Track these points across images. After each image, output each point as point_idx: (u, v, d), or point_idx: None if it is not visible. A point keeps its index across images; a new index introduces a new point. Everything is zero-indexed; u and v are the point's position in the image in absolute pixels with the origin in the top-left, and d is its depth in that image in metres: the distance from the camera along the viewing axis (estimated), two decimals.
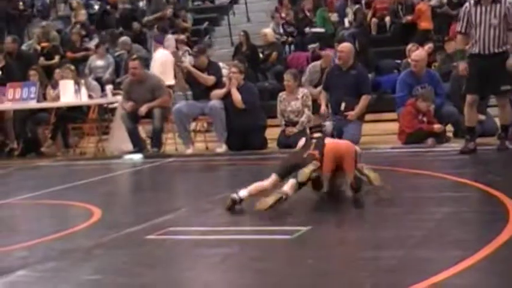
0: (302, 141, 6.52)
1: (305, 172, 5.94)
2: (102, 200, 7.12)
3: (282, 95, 10.58)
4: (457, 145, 8.90)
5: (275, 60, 14.57)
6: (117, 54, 15.61)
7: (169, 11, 17.68)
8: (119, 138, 11.29)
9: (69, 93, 11.47)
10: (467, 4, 8.44)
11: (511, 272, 3.95)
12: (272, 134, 10.72)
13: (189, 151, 10.67)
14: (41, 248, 5.23)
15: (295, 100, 10.41)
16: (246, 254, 4.72)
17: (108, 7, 19.16)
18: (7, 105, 11.77)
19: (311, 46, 14.55)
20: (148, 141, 11.41)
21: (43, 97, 11.98)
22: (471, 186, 6.45)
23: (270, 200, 5.78)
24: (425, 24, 14.29)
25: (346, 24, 15.53)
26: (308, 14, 16.11)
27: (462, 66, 8.48)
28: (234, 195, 5.96)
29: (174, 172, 9.64)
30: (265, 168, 8.58)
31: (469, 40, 8.45)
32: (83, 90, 11.55)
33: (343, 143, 6.44)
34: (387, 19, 15.25)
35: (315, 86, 11.59)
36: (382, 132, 10.89)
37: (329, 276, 4.10)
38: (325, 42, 14.30)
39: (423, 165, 8.03)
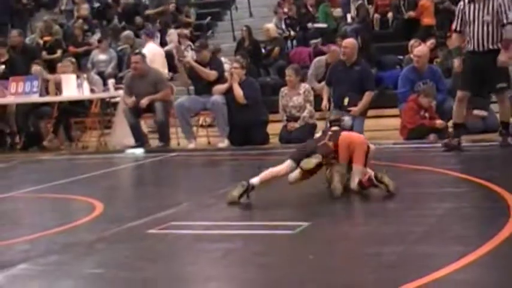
0: (319, 134, 6.56)
1: (311, 162, 5.96)
2: (104, 194, 7.13)
3: (284, 90, 10.58)
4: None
5: (277, 55, 14.56)
6: (119, 48, 15.61)
7: (171, 6, 17.69)
8: (121, 132, 11.32)
9: (71, 87, 11.49)
10: (461, 2, 8.49)
11: None
12: (274, 129, 10.72)
13: (192, 146, 10.68)
14: (43, 241, 5.24)
15: (297, 95, 10.42)
16: (248, 249, 4.73)
17: (110, 0, 19.15)
18: (9, 99, 11.77)
19: (313, 41, 14.54)
20: (150, 135, 11.42)
21: (45, 91, 11.99)
22: (472, 182, 6.45)
23: (235, 192, 5.94)
24: (428, 20, 14.27)
25: (349, 19, 15.52)
26: (310, 9, 16.10)
27: (457, 62, 8.51)
28: (244, 182, 6.00)
29: (176, 167, 9.64)
30: (267, 163, 8.60)
31: (464, 38, 8.47)
32: (85, 84, 11.57)
33: (356, 135, 6.49)
34: (390, 15, 15.24)
35: (320, 81, 11.58)
36: (384, 128, 10.89)
37: (330, 271, 4.11)
38: (328, 38, 14.30)
39: (425, 161, 8.04)
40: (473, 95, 8.66)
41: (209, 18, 18.05)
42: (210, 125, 11.86)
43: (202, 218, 5.72)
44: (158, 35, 16.23)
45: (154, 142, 11.24)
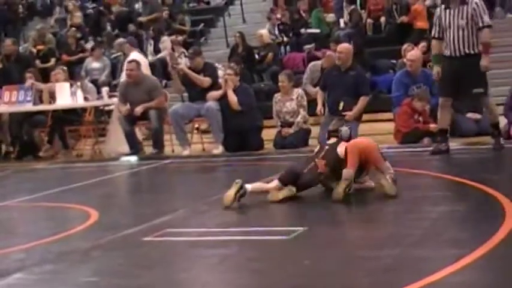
0: (317, 148, 6.66)
1: (277, 195, 6.19)
2: (99, 202, 7.12)
3: (277, 96, 10.59)
4: (454, 144, 8.90)
5: (271, 61, 14.58)
6: (113, 56, 15.60)
7: (165, 13, 17.70)
8: (116, 140, 11.30)
9: (65, 95, 11.47)
10: (438, 9, 8.58)
11: (507, 270, 3.96)
12: (268, 135, 10.73)
13: (186, 152, 10.67)
14: (38, 250, 5.23)
15: (290, 101, 10.43)
16: (244, 255, 4.73)
17: (102, 8, 19.16)
18: (3, 108, 11.75)
19: (307, 47, 14.57)
20: (144, 143, 11.40)
21: (39, 99, 11.96)
22: (467, 185, 6.46)
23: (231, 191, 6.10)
24: (421, 23, 14.29)
25: (342, 24, 15.54)
26: (303, 14, 16.13)
27: (435, 70, 8.56)
28: (239, 180, 6.21)
29: (171, 173, 9.64)
30: (262, 169, 8.60)
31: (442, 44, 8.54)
32: (79, 92, 11.55)
33: (363, 139, 6.66)
34: (382, 19, 15.27)
35: (315, 86, 11.58)
36: (378, 132, 10.87)
37: (326, 276, 4.11)
38: (321, 43, 14.32)
39: (419, 165, 8.04)
40: (455, 99, 8.70)
41: (202, 25, 18.06)
42: (204, 132, 11.83)
43: (198, 225, 5.72)
44: (151, 42, 16.25)
45: (148, 149, 11.23)
